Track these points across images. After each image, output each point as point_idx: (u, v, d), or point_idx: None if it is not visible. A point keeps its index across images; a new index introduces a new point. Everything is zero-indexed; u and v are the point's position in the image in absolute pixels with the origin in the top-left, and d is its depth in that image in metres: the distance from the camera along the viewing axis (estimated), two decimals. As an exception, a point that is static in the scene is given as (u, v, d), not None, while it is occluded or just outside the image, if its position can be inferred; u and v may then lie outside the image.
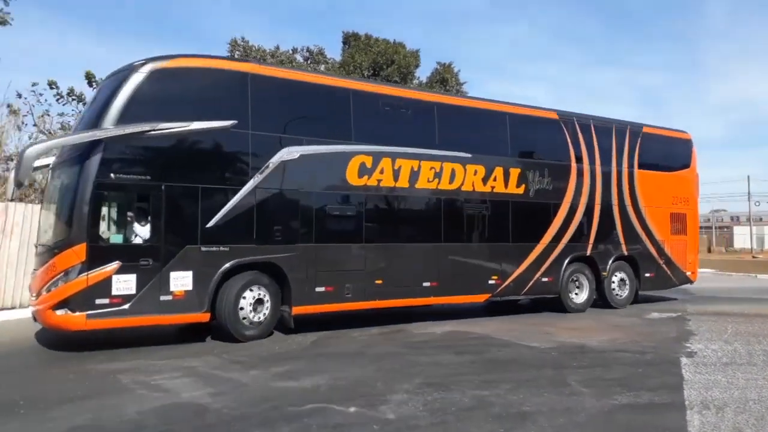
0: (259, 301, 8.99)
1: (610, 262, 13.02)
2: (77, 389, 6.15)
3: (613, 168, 13.28)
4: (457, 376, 6.71)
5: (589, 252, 12.73)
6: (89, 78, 18.45)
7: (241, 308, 8.82)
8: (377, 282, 10.04)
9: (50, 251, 8.23)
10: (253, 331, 8.90)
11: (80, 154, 8.12)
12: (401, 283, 10.32)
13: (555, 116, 12.71)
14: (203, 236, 8.58)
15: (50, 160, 9.52)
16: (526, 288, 11.87)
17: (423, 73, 28.98)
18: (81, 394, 5.97)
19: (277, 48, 27.01)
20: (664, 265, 13.86)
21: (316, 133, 9.71)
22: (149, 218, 8.31)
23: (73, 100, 19.25)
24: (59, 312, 7.81)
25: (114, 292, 7.93)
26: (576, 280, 12.62)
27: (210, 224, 8.63)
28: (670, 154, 14.48)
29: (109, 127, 8.07)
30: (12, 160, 14.61)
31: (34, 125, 18.35)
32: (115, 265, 7.95)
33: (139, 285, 8.08)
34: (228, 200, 8.78)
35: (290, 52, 27.41)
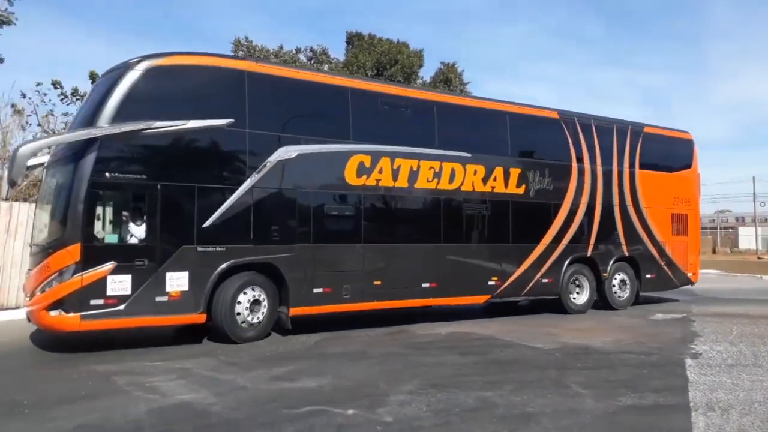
0: (256, 302, 8.88)
1: (611, 263, 12.92)
2: (71, 391, 6.07)
3: (614, 168, 13.19)
4: (461, 377, 6.70)
5: (589, 253, 12.64)
6: (93, 78, 18.33)
7: (238, 310, 8.71)
8: (376, 283, 9.94)
9: (44, 251, 8.13)
10: (250, 333, 8.79)
11: (75, 153, 8.02)
12: (400, 284, 10.22)
13: (556, 116, 12.62)
14: (199, 236, 8.47)
15: (45, 158, 9.41)
16: (526, 289, 11.77)
17: (427, 73, 29.02)
18: (75, 396, 5.89)
19: (281, 48, 27.03)
20: (665, 266, 13.77)
21: (314, 132, 9.61)
22: (145, 218, 8.22)
23: (77, 99, 19.19)
24: (53, 313, 7.70)
25: (109, 292, 7.83)
26: (576, 281, 12.53)
27: (206, 224, 8.53)
28: (671, 154, 14.39)
29: (105, 126, 7.96)
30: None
31: (38, 125, 18.38)
32: (110, 265, 7.85)
33: (135, 285, 7.98)
34: (225, 200, 8.67)
35: (294, 52, 27.42)
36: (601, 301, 12.88)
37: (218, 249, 8.61)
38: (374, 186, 10.07)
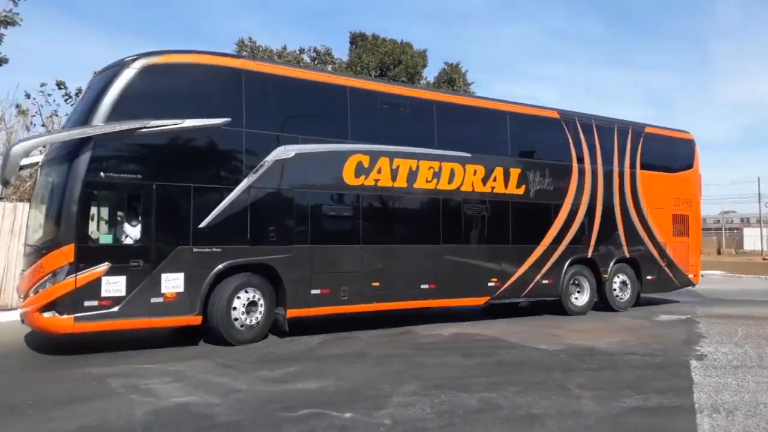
0: (252, 304, 8.78)
1: (612, 264, 12.84)
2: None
3: (615, 168, 13.10)
4: (465, 378, 6.67)
5: (590, 254, 12.54)
6: (96, 78, 18.23)
7: (234, 312, 8.60)
8: (374, 284, 9.84)
9: (38, 252, 8.03)
10: (247, 335, 8.69)
11: (69, 152, 7.92)
12: (399, 285, 10.11)
13: (556, 115, 12.52)
14: (195, 237, 8.37)
15: (39, 158, 9.30)
16: (526, 290, 11.67)
17: (430, 74, 29.02)
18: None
19: (284, 48, 27.05)
20: (666, 268, 13.68)
21: (312, 131, 9.51)
22: (140, 218, 8.12)
23: (81, 100, 19.06)
24: (47, 314, 7.60)
25: (103, 294, 7.73)
26: (577, 283, 12.43)
27: (202, 224, 8.43)
28: (672, 154, 14.30)
29: (99, 125, 7.86)
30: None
31: (43, 125, 18.26)
32: (104, 266, 7.75)
33: (129, 287, 7.88)
34: (221, 200, 8.57)
35: (297, 52, 27.44)
36: (602, 302, 12.79)
37: (214, 250, 8.51)
38: (373, 186, 9.96)
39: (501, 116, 11.78)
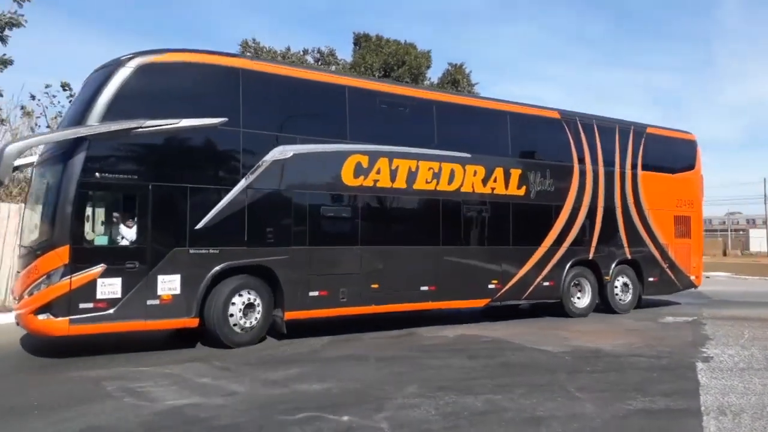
0: (249, 306, 8.68)
1: (613, 266, 12.74)
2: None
3: (617, 169, 13.01)
4: (470, 380, 6.66)
5: (591, 255, 12.45)
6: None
7: (231, 314, 8.51)
8: (373, 286, 9.73)
9: (33, 253, 7.93)
10: (244, 337, 8.59)
11: (64, 152, 7.83)
12: (398, 287, 10.02)
13: (557, 116, 12.43)
14: (192, 238, 8.27)
15: (34, 158, 9.20)
16: (527, 292, 11.58)
17: (434, 74, 29.02)
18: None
19: (288, 49, 27.13)
20: (667, 269, 13.60)
21: (311, 131, 9.41)
22: (136, 219, 8.03)
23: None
24: (41, 317, 7.50)
25: (98, 296, 7.63)
26: (578, 284, 12.34)
27: (199, 226, 8.33)
28: (674, 155, 14.21)
29: (94, 124, 7.77)
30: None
31: (48, 127, 18.25)
32: (99, 268, 7.66)
33: (125, 289, 7.78)
34: (218, 201, 8.48)
35: (301, 53, 27.52)
36: (603, 304, 12.71)
37: (211, 251, 8.41)
38: (372, 187, 9.87)
39: (501, 116, 11.69)
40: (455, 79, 27.78)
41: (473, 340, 9.51)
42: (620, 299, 12.86)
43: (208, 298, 8.38)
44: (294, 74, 9.90)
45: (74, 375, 6.86)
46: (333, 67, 27.28)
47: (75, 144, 7.69)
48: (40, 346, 8.37)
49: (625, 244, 12.98)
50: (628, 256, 12.98)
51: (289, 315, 8.98)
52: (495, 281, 11.14)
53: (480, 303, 11.18)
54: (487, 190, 11.14)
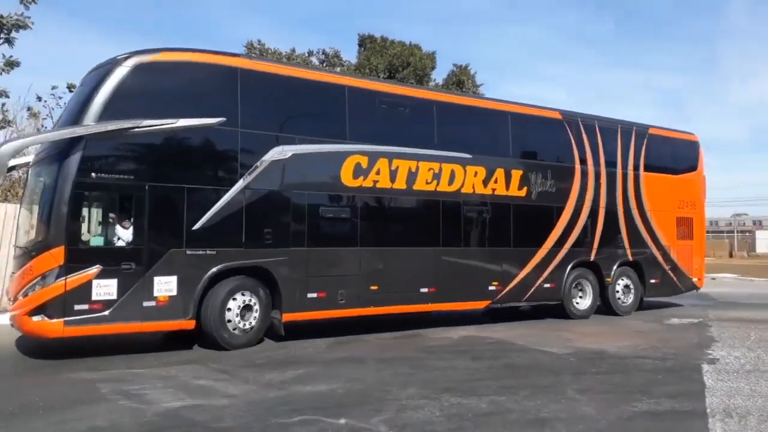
0: (247, 308, 8.60)
1: (615, 267, 12.65)
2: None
3: (618, 170, 12.92)
4: (474, 382, 6.65)
5: (592, 257, 12.36)
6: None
7: (228, 316, 8.43)
8: (372, 288, 9.65)
9: (28, 254, 7.87)
10: (241, 339, 8.51)
11: (59, 152, 7.76)
12: (397, 288, 9.94)
13: (558, 116, 12.34)
14: (189, 239, 8.19)
15: (30, 158, 9.13)
16: (528, 294, 11.49)
17: (439, 76, 29.03)
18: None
19: (293, 50, 27.18)
20: (669, 271, 13.51)
21: (310, 131, 9.33)
22: (132, 220, 7.95)
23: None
24: (36, 318, 7.44)
25: (94, 297, 7.56)
26: (579, 286, 12.26)
27: (196, 226, 8.25)
28: (676, 156, 14.13)
29: (90, 124, 7.71)
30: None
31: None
32: (95, 269, 7.58)
33: (121, 290, 7.71)
34: (215, 201, 8.40)
35: (306, 54, 27.57)
36: (604, 306, 12.62)
37: (208, 252, 8.34)
38: (371, 187, 9.78)
39: (502, 117, 11.60)
40: (460, 80, 27.82)
41: (477, 341, 9.49)
42: (622, 301, 12.78)
43: (205, 300, 8.31)
44: (293, 74, 9.82)
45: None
46: (338, 69, 27.34)
47: (71, 144, 7.62)
48: (37, 347, 8.29)
49: (627, 246, 12.89)
50: (630, 258, 12.90)
51: (287, 317, 8.91)
52: (495, 283, 11.05)
53: (480, 305, 11.08)
54: (487, 191, 11.05)
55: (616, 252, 12.74)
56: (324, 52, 28.04)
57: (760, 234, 71.09)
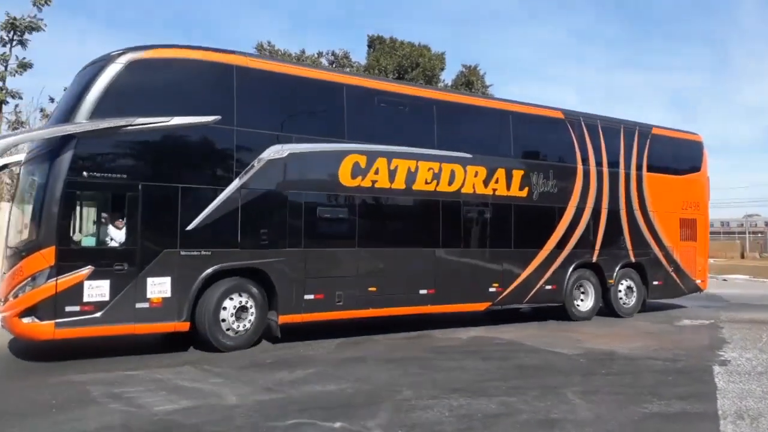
0: (242, 309, 8.46)
1: (617, 269, 12.50)
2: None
3: (621, 170, 12.77)
4: (484, 382, 6.66)
5: (595, 258, 12.21)
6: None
7: (223, 317, 8.30)
8: (371, 289, 9.50)
9: (18, 254, 7.74)
10: (236, 341, 8.37)
11: (51, 151, 7.62)
12: (396, 290, 9.79)
13: (561, 116, 12.19)
14: (183, 239, 8.05)
15: (20, 156, 9.00)
16: (529, 296, 11.35)
17: (448, 76, 29.11)
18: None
19: (303, 52, 27.36)
20: (673, 273, 13.36)
21: (307, 130, 9.18)
22: (125, 220, 7.82)
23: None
24: (26, 320, 7.31)
25: (85, 298, 7.42)
26: (581, 288, 12.11)
27: (190, 227, 8.11)
28: (680, 156, 13.97)
29: (82, 122, 7.56)
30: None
31: None
32: (86, 270, 7.45)
33: (113, 291, 7.57)
34: (210, 201, 8.26)
35: (315, 55, 27.70)
36: (607, 308, 12.49)
37: (203, 253, 8.19)
38: (370, 187, 9.63)
39: (503, 116, 11.45)
40: (469, 80, 27.88)
41: (487, 342, 9.48)
42: (624, 303, 12.64)
43: (200, 301, 8.16)
44: (290, 71, 9.67)
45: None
46: (347, 69, 27.51)
47: (62, 142, 7.49)
48: (31, 349, 8.16)
49: (630, 247, 12.75)
50: (633, 259, 12.75)
51: (284, 319, 8.77)
52: (496, 284, 10.91)
53: (480, 307, 10.92)
54: (488, 192, 10.90)
55: (619, 253, 12.59)
56: (333, 53, 28.26)
57: (772, 235, 70.46)
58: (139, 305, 7.72)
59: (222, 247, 8.34)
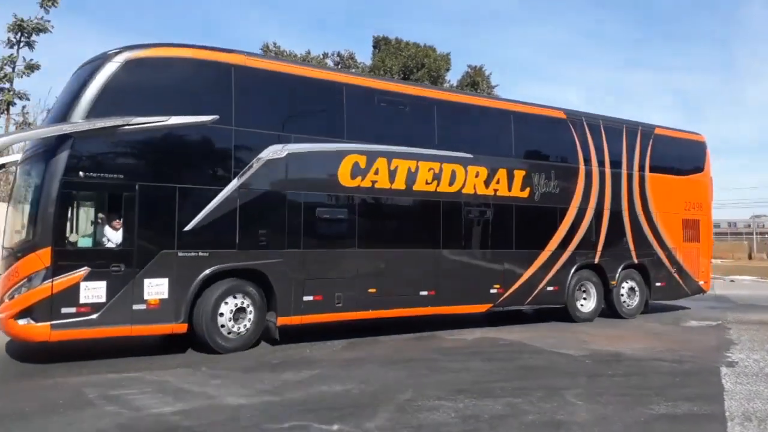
0: (241, 310, 8.38)
1: (619, 270, 12.41)
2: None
3: (624, 171, 12.68)
4: (489, 383, 6.66)
5: (597, 259, 12.12)
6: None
7: (221, 318, 8.22)
8: (370, 291, 9.42)
9: (14, 255, 7.65)
10: (234, 343, 8.29)
11: (47, 150, 7.55)
12: (396, 291, 9.71)
13: (562, 115, 12.09)
14: (181, 240, 7.97)
15: (18, 155, 8.93)
16: (530, 297, 11.26)
17: (454, 77, 29.18)
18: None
19: (308, 53, 27.52)
20: (675, 274, 13.28)
21: (306, 129, 9.10)
22: (122, 220, 7.74)
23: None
24: (21, 321, 7.22)
25: (82, 300, 7.35)
26: (583, 289, 12.02)
27: (188, 227, 8.03)
28: (682, 156, 13.90)
29: (79, 121, 7.48)
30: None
31: None
32: (83, 271, 7.37)
33: (110, 293, 7.50)
34: (208, 201, 8.17)
35: (321, 56, 27.83)
36: (609, 309, 12.40)
37: (201, 254, 8.11)
38: (370, 188, 9.55)
39: (505, 116, 11.37)
40: (475, 81, 27.87)
41: (492, 343, 9.46)
42: (626, 304, 12.55)
43: (198, 303, 8.09)
44: (289, 70, 9.56)
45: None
46: (353, 70, 27.61)
47: (58, 141, 7.41)
48: (28, 350, 8.10)
49: (632, 248, 12.66)
50: (635, 260, 12.66)
51: (283, 320, 8.69)
52: (497, 286, 10.81)
53: (481, 308, 10.83)
54: (489, 192, 10.82)
55: (621, 254, 12.50)
56: (339, 54, 28.46)
57: (779, 235, 70.05)
58: (136, 307, 7.64)
59: (220, 248, 8.26)
